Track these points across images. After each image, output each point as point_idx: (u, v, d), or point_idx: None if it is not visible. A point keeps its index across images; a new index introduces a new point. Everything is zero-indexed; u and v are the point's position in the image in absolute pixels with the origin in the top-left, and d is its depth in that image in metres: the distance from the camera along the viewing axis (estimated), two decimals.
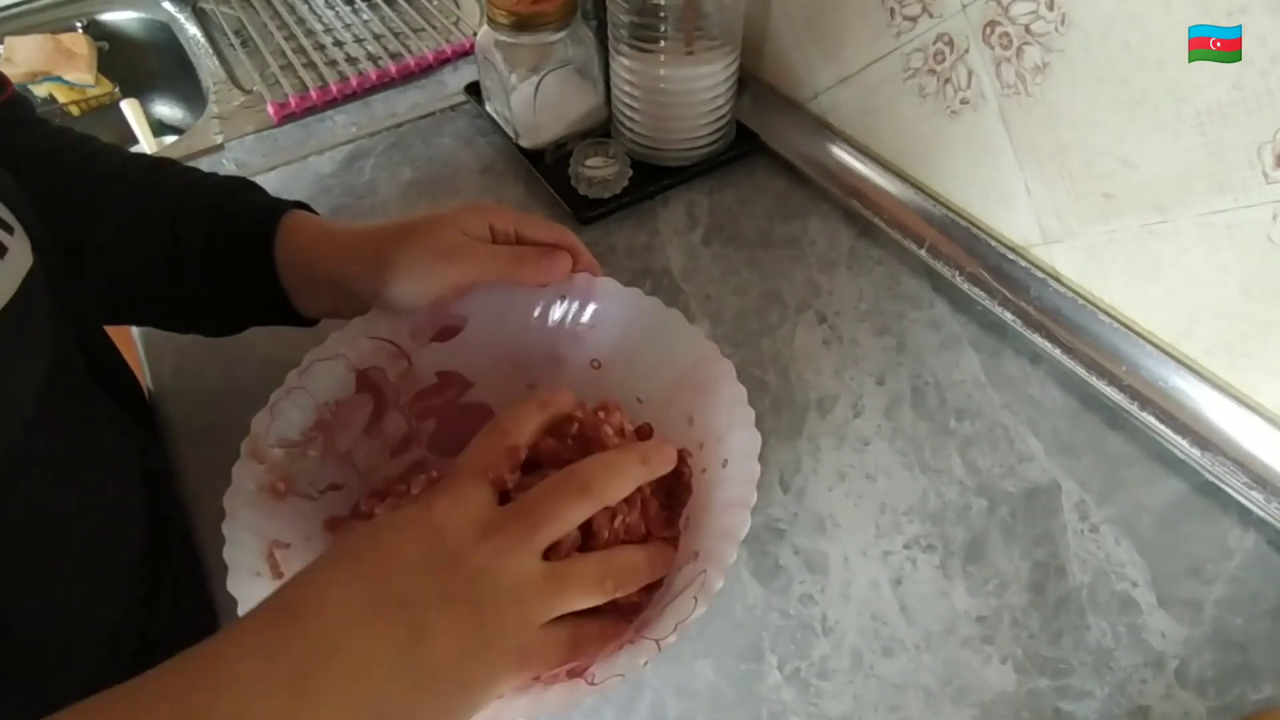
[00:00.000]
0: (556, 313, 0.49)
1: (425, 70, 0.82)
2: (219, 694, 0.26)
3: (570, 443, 0.42)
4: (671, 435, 0.46)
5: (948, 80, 0.55)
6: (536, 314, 0.49)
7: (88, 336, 0.45)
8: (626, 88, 0.65)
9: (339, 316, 0.46)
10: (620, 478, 0.36)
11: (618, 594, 0.36)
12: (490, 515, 0.34)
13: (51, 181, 0.45)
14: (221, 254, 0.46)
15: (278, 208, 0.47)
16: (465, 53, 0.84)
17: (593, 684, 0.35)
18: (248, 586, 0.38)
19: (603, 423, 0.42)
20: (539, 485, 0.36)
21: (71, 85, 0.98)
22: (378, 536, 0.32)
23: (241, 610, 0.37)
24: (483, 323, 0.47)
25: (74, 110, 0.99)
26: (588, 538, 0.38)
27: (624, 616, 0.41)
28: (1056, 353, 0.53)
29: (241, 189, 0.48)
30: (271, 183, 0.71)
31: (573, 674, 0.37)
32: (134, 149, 0.99)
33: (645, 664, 0.35)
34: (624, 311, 0.49)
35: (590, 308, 0.49)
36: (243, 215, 0.46)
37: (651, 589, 0.40)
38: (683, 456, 0.43)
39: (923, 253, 0.60)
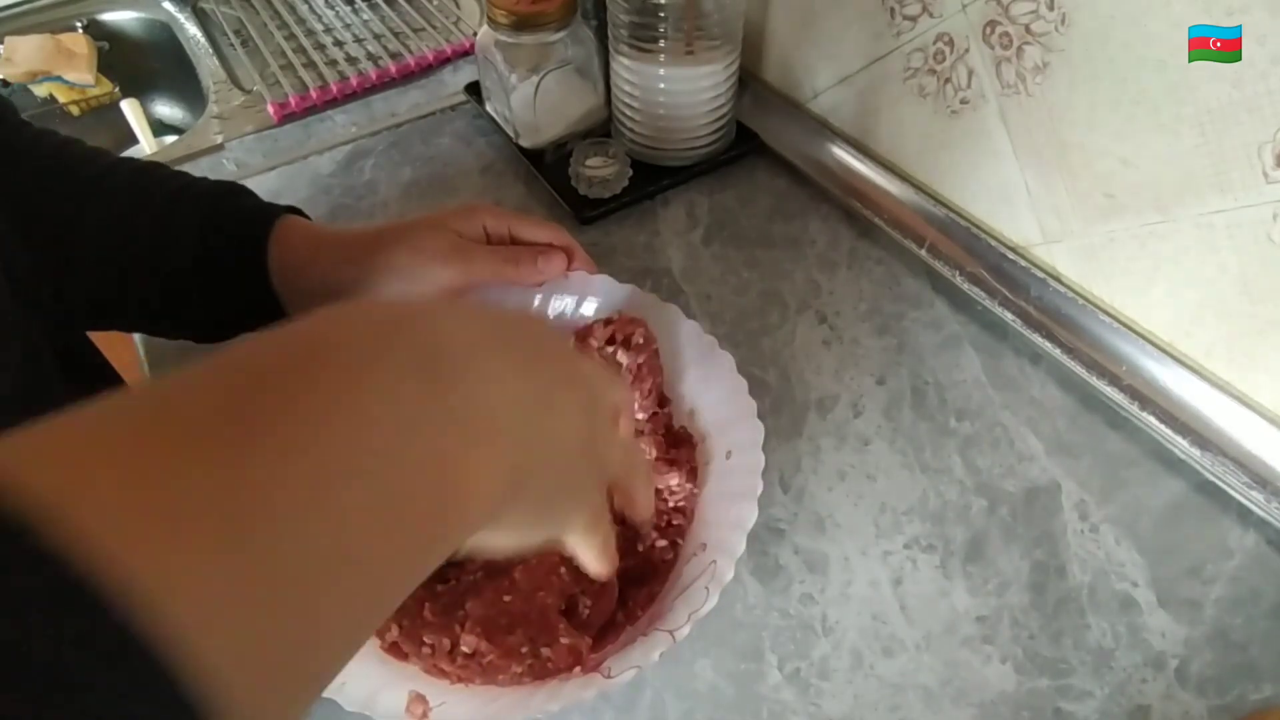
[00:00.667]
0: (553, 312, 0.49)
1: (425, 70, 0.82)
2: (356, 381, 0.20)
3: None
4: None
5: (948, 80, 0.55)
6: (534, 314, 0.49)
7: (71, 344, 0.45)
8: (626, 88, 0.65)
9: None
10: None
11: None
12: None
13: (37, 186, 0.44)
14: (213, 259, 0.45)
15: (270, 212, 0.47)
16: (465, 53, 0.84)
17: (609, 676, 0.36)
18: None
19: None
20: None
21: (71, 85, 0.98)
22: (492, 307, 0.29)
23: None
24: None
25: (74, 110, 0.99)
26: None
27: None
28: (1056, 353, 0.53)
29: (233, 193, 0.48)
30: (271, 183, 0.71)
31: (586, 669, 0.37)
32: (134, 149, 0.99)
33: (659, 656, 0.36)
34: (621, 308, 0.49)
35: (587, 305, 0.49)
36: (235, 220, 0.46)
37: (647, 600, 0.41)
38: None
39: (923, 253, 0.60)
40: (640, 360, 0.45)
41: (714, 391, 0.46)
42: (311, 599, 0.17)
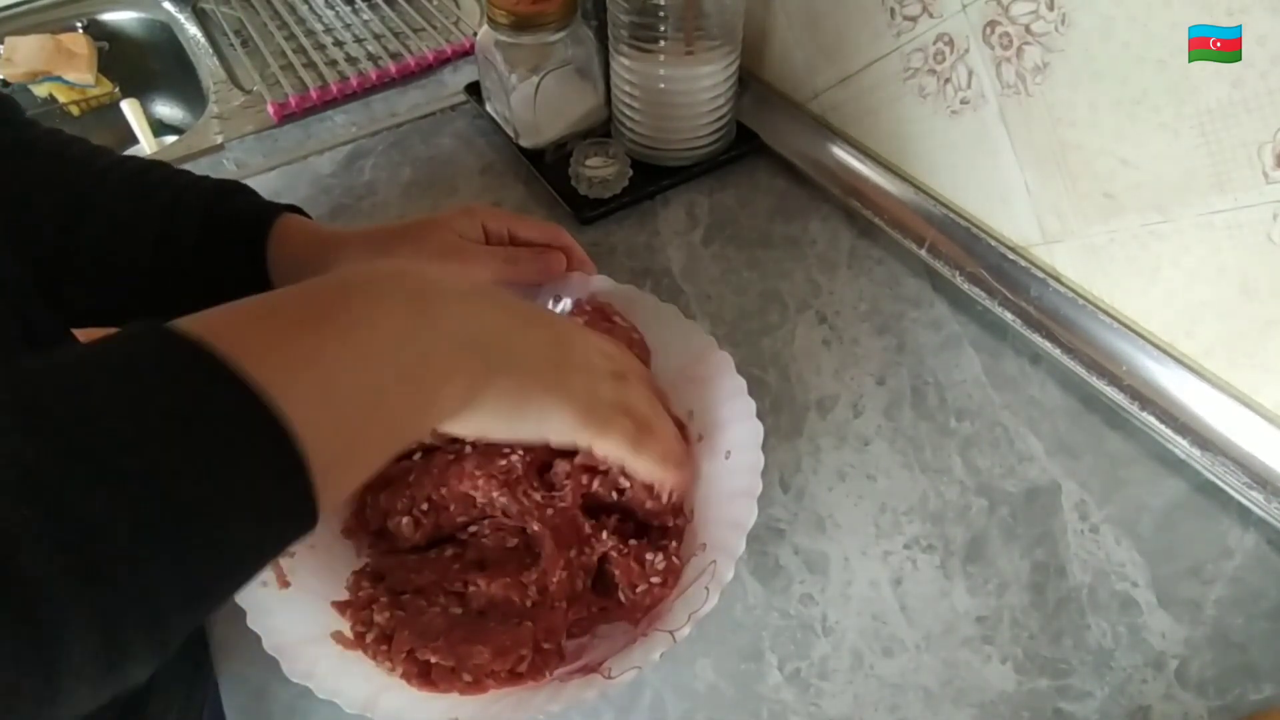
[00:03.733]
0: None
1: (425, 70, 0.82)
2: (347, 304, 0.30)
3: None
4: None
5: (948, 80, 0.55)
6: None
7: (65, 344, 0.45)
8: (626, 88, 0.65)
9: None
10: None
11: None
12: None
13: (39, 183, 0.44)
14: (213, 257, 0.45)
15: (270, 211, 0.47)
16: (465, 53, 0.84)
17: (609, 677, 0.35)
18: (253, 595, 0.38)
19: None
20: None
21: (72, 85, 0.98)
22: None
23: (252, 618, 0.37)
24: None
25: (74, 110, 0.99)
26: None
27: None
28: (1056, 353, 0.53)
29: (233, 192, 0.48)
30: (271, 183, 0.71)
31: (587, 670, 0.37)
32: (134, 149, 0.99)
33: (660, 656, 0.36)
34: (621, 307, 0.49)
35: (584, 307, 0.49)
36: (235, 218, 0.46)
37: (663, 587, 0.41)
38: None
39: (923, 253, 0.60)
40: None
41: (713, 391, 0.46)
42: (354, 415, 0.28)
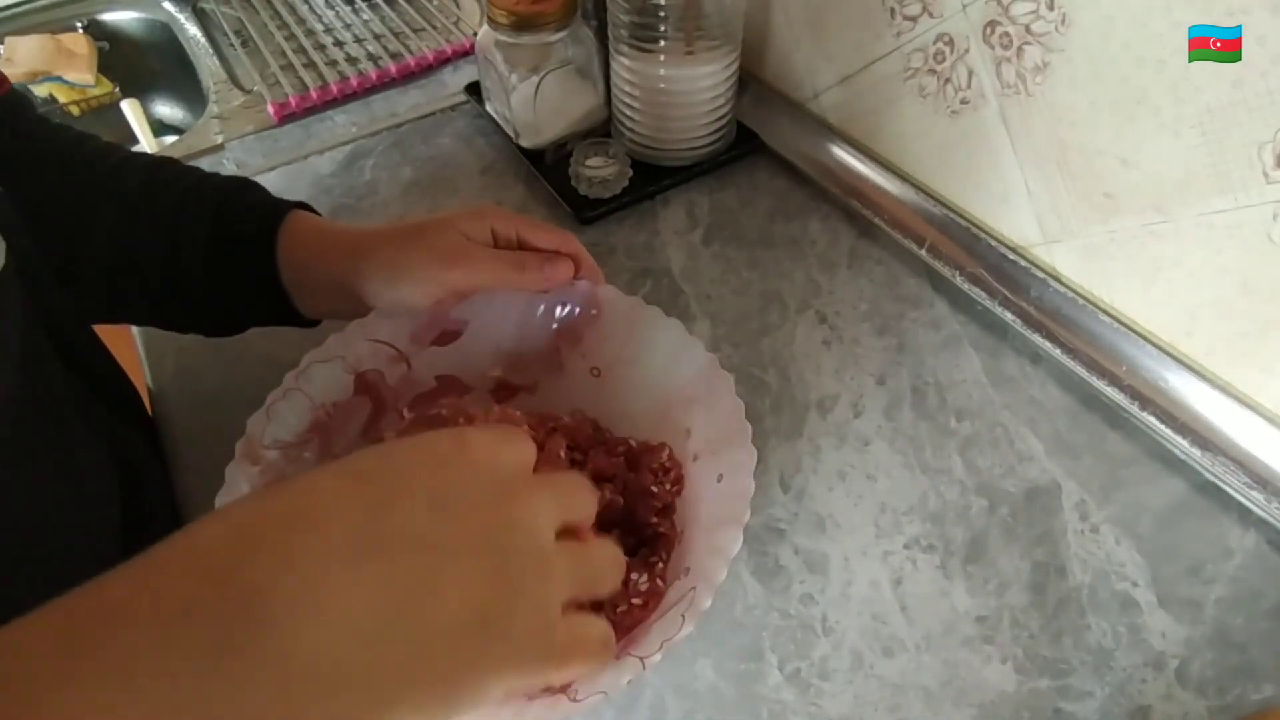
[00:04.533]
0: (557, 319, 0.49)
1: (425, 70, 0.82)
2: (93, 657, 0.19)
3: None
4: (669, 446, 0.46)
5: (948, 80, 0.55)
6: (537, 320, 0.49)
7: (76, 340, 0.45)
8: (626, 88, 0.65)
9: (340, 317, 0.46)
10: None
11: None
12: (529, 467, 0.28)
13: (49, 180, 0.45)
14: (223, 254, 0.46)
15: (280, 208, 0.47)
16: (465, 53, 0.84)
17: (575, 700, 0.35)
18: None
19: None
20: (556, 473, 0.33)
21: (72, 85, 0.98)
22: (394, 458, 0.25)
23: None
24: (482, 327, 0.47)
25: (74, 110, 0.99)
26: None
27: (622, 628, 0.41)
28: (1057, 353, 0.53)
29: (243, 189, 0.48)
30: (271, 183, 0.70)
31: (553, 690, 0.37)
32: (134, 149, 0.99)
33: (628, 682, 0.35)
34: (624, 320, 0.49)
35: (591, 315, 0.49)
36: (245, 215, 0.46)
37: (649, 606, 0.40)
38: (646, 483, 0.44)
39: (923, 253, 0.60)
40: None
41: (711, 412, 0.45)
42: None
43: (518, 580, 0.25)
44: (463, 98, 0.77)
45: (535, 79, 0.65)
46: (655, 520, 0.43)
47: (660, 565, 0.42)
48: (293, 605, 0.20)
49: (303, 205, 0.49)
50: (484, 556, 0.24)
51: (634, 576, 0.41)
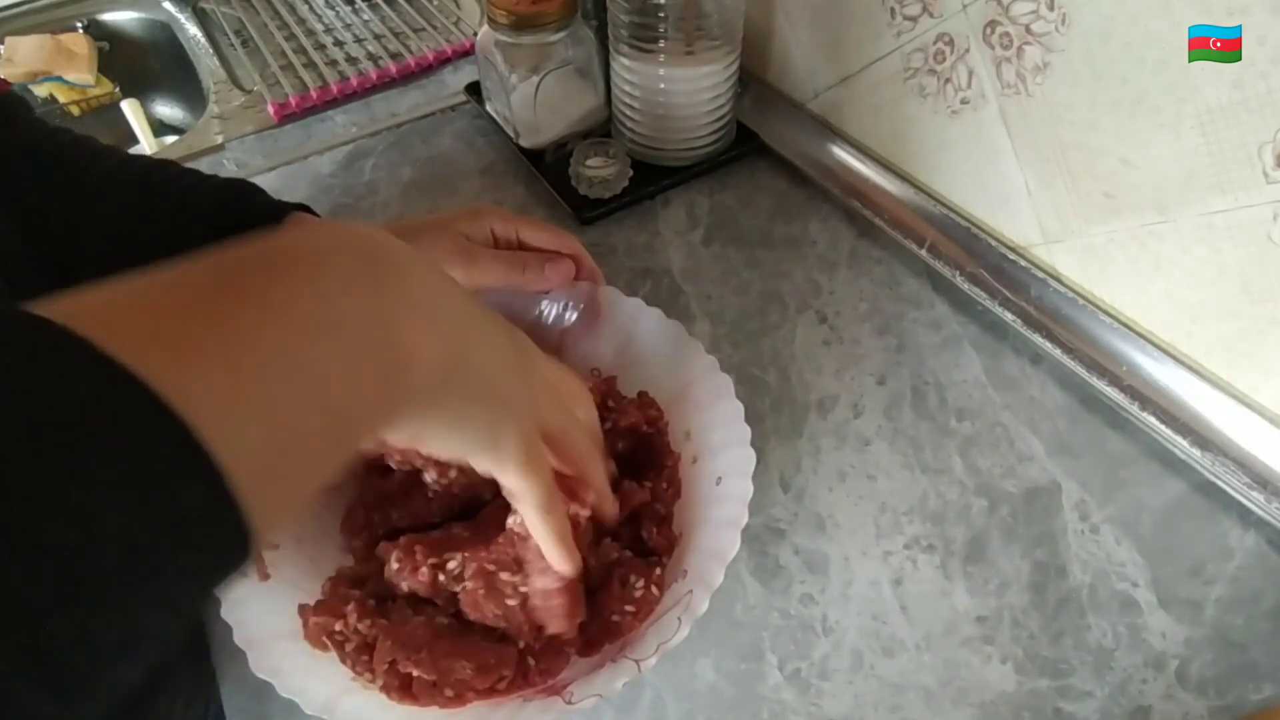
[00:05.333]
0: (557, 320, 0.49)
1: (425, 70, 0.82)
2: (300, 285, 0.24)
3: None
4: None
5: (948, 80, 0.55)
6: (537, 321, 0.49)
7: None
8: (626, 88, 0.65)
9: None
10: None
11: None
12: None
13: (47, 182, 0.45)
14: None
15: (279, 210, 0.47)
16: (465, 53, 0.84)
17: (570, 703, 0.35)
18: (234, 587, 0.38)
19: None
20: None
21: (72, 85, 0.97)
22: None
23: (226, 608, 0.37)
24: None
25: (74, 110, 0.99)
26: None
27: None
28: (1057, 353, 0.53)
29: (243, 191, 0.48)
30: (271, 183, 0.71)
31: (550, 691, 0.37)
32: (134, 149, 0.99)
33: (623, 685, 0.35)
34: (625, 321, 0.49)
35: (591, 315, 0.49)
36: (244, 217, 0.46)
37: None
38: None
39: (923, 253, 0.60)
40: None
41: (711, 414, 0.45)
42: (289, 413, 0.22)
43: (538, 371, 0.36)
44: (463, 98, 0.77)
45: (535, 79, 0.65)
46: (655, 529, 0.43)
47: (658, 571, 0.42)
48: (403, 264, 0.28)
49: (302, 207, 0.49)
50: (511, 331, 0.35)
51: (631, 580, 0.41)
